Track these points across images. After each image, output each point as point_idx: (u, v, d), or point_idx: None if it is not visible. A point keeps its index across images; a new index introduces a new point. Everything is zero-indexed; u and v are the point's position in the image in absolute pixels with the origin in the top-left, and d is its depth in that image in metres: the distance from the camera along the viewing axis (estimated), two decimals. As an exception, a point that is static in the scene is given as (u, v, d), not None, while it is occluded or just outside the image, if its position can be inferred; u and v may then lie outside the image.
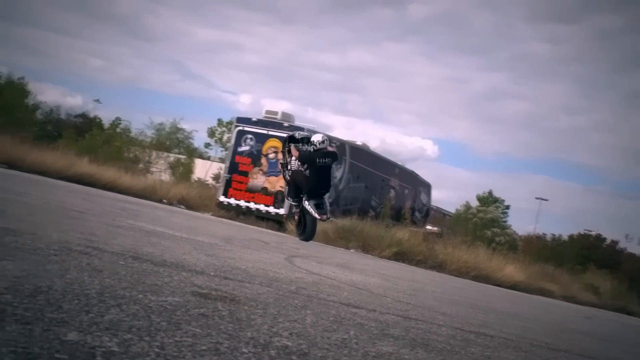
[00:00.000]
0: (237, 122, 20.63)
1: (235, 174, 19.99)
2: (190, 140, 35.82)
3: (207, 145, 36.93)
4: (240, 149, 20.05)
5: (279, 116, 19.98)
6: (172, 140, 34.07)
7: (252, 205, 19.47)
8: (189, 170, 33.26)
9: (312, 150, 12.32)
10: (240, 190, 19.74)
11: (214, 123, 36.68)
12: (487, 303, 7.73)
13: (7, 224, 3.80)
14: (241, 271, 4.25)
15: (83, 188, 15.51)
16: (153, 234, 5.67)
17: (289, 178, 12.90)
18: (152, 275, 3.11)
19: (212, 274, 3.74)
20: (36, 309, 1.87)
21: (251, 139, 19.89)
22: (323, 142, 12.42)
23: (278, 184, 19.17)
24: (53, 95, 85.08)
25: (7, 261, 2.55)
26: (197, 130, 41.01)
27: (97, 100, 43.44)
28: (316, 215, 12.33)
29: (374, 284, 6.08)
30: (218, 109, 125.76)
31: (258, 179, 19.59)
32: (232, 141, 20.60)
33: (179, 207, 19.72)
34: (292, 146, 12.60)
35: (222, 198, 20.08)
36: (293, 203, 13.19)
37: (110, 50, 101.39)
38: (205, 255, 4.75)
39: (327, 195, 12.87)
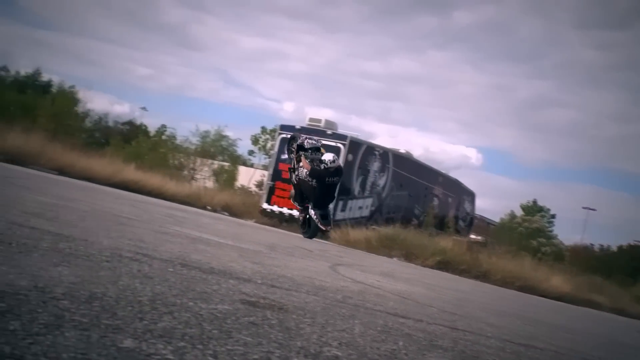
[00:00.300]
0: (281, 130, 20.74)
1: (279, 181, 20.08)
2: (234, 147, 36.17)
3: (251, 152, 37.22)
4: (283, 157, 20.11)
5: (322, 124, 20.01)
6: (217, 148, 34.44)
7: (295, 212, 19.52)
8: (232, 177, 33.56)
9: (322, 167, 12.88)
10: (283, 197, 19.79)
11: (258, 131, 36.95)
12: (534, 314, 7.60)
13: (61, 230, 3.88)
14: (287, 279, 4.26)
15: (130, 194, 15.78)
16: (199, 241, 5.73)
17: (295, 182, 13.37)
18: (201, 282, 3.14)
19: (259, 281, 3.75)
20: (92, 315, 1.90)
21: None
22: (333, 161, 13.02)
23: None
24: (102, 103, 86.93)
25: (63, 267, 2.60)
26: (240, 138, 41.61)
27: (144, 108, 44.15)
28: (321, 226, 13.13)
29: (419, 294, 6.03)
30: (262, 117, 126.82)
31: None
32: (276, 149, 20.72)
33: (223, 214, 19.90)
34: (304, 158, 13.09)
35: (265, 205, 20.20)
36: (298, 206, 13.62)
37: (158, 59, 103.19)
38: (251, 263, 4.77)
39: (331, 206, 13.31)
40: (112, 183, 18.88)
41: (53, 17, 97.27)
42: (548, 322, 6.85)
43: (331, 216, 13.26)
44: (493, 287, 14.50)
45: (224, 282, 3.32)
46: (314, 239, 13.77)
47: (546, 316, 7.95)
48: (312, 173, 12.91)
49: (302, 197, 13.28)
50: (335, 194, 13.69)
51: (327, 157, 13.20)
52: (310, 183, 12.90)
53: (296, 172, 13.28)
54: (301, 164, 13.22)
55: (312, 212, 13.00)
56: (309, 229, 13.39)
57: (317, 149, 13.20)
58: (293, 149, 13.64)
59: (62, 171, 17.96)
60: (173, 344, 1.80)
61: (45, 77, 38.37)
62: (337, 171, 13.25)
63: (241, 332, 2.18)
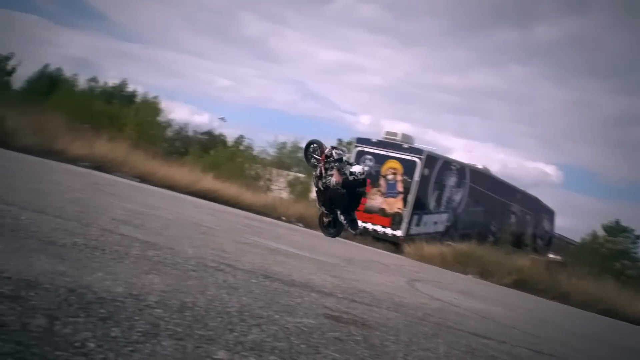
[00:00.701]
0: (357, 143, 20.74)
1: (353, 194, 20.12)
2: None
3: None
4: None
5: (398, 137, 19.90)
6: (293, 159, 34.66)
7: (369, 225, 19.43)
8: (307, 188, 33.74)
9: (353, 178, 13.58)
10: (358, 210, 19.79)
11: (334, 143, 37.10)
12: (620, 340, 7.29)
13: (148, 238, 3.98)
14: (367, 294, 4.24)
15: (207, 203, 16.10)
16: (278, 252, 5.78)
17: (322, 189, 13.97)
18: (284, 295, 3.15)
19: (339, 295, 3.74)
20: (185, 324, 1.93)
21: (370, 159, 19.92)
22: (363, 173, 13.66)
23: (396, 205, 19.07)
24: (183, 113, 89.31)
25: (153, 275, 2.66)
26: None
27: (222, 119, 45.07)
28: (351, 231, 14.19)
29: (498, 314, 5.89)
30: (338, 129, 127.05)
31: (376, 200, 19.55)
32: (352, 161, 20.75)
33: (298, 225, 20.02)
34: (336, 170, 13.65)
35: (340, 217, 20.23)
36: (324, 210, 14.25)
37: (238, 71, 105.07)
38: (330, 276, 4.77)
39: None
40: (190, 191, 19.27)
41: (141, 31, 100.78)
42: (638, 349, 6.56)
43: (358, 222, 14.25)
44: (573, 309, 14.01)
45: (306, 295, 3.33)
46: (393, 254, 13.71)
47: (634, 343, 7.62)
48: (344, 183, 13.63)
49: (330, 203, 13.97)
50: (360, 202, 14.50)
51: (357, 169, 13.95)
52: (339, 191, 13.65)
53: (323, 180, 13.94)
54: (330, 172, 13.86)
55: (341, 217, 13.82)
56: (334, 231, 14.28)
57: (341, 159, 13.82)
58: (317, 157, 14.10)
59: (143, 179, 18.47)
60: (264, 357, 1.81)
61: (130, 87, 39.73)
62: (364, 182, 14.07)
63: (328, 347, 2.17)
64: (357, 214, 19.66)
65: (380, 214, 19.28)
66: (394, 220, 18.95)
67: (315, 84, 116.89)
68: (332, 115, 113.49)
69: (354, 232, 14.44)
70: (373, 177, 19.75)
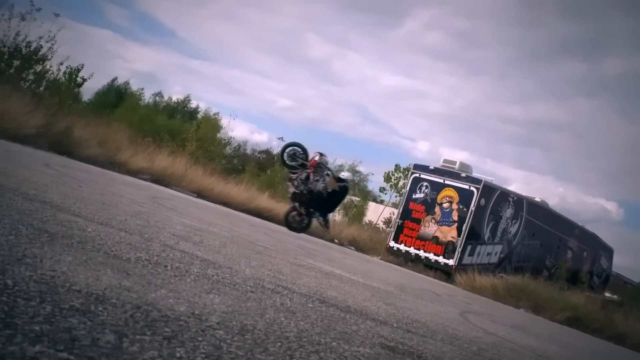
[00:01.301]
0: (414, 169, 20.62)
1: (408, 220, 19.93)
2: (366, 183, 36.19)
3: (382, 189, 36.89)
4: (414, 196, 19.99)
5: (456, 166, 19.72)
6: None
7: (421, 253, 19.25)
8: (361, 212, 33.64)
9: (343, 185, 14.96)
10: (411, 237, 19.62)
11: (391, 168, 36.92)
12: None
13: (207, 255, 4.03)
14: (421, 324, 4.18)
15: (262, 222, 16.23)
16: (332, 276, 5.77)
17: (304, 192, 14.51)
18: (341, 321, 3.14)
19: (394, 324, 3.70)
20: (246, 348, 1.94)
21: (426, 186, 19.78)
22: (350, 180, 15.37)
23: (449, 234, 18.84)
24: (242, 131, 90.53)
25: (214, 294, 2.69)
26: (373, 174, 41.52)
27: (281, 138, 45.25)
28: (328, 229, 15.92)
29: (554, 353, 5.73)
30: (395, 155, 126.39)
31: (430, 228, 19.37)
32: (407, 187, 20.60)
33: (350, 248, 19.97)
34: (332, 178, 14.82)
35: (392, 243, 20.07)
36: (301, 211, 14.87)
37: (300, 92, 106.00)
38: (385, 304, 4.73)
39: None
40: (246, 209, 19.47)
41: (207, 48, 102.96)
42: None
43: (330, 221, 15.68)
44: (629, 351, 13.52)
45: (362, 323, 3.31)
46: (444, 283, 13.52)
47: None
48: (334, 189, 14.79)
49: (311, 206, 14.71)
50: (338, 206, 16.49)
51: (346, 175, 15.87)
52: (324, 196, 14.59)
53: (309, 185, 14.55)
54: (317, 177, 14.56)
55: (320, 218, 14.89)
56: (301, 228, 15.00)
57: (326, 164, 14.82)
58: (304, 162, 14.67)
59: (200, 194, 18.75)
60: (323, 386, 1.80)
61: (193, 103, 40.49)
62: (348, 189, 15.51)
63: (386, 380, 2.14)
64: (409, 240, 19.53)
65: (434, 242, 19.08)
66: (447, 248, 18.71)
67: (376, 108, 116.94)
68: (391, 140, 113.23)
69: (328, 229, 16.31)
70: (428, 205, 19.60)
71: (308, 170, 14.64)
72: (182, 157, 20.64)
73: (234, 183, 22.46)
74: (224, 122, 33.46)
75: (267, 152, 48.24)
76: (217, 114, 34.38)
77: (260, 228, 11.75)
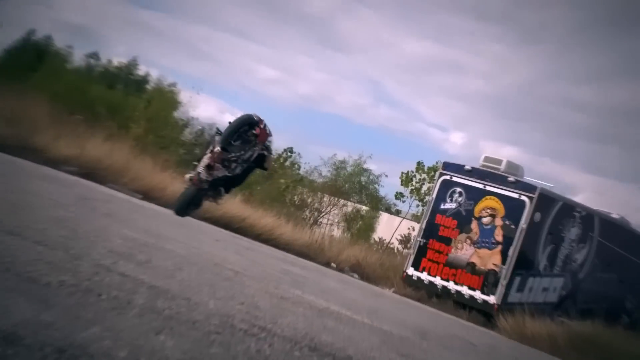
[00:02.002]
0: (444, 169, 20.66)
1: (433, 239, 19.95)
2: (376, 186, 36.14)
3: (399, 195, 36.83)
4: (443, 206, 20.01)
5: (502, 167, 19.76)
6: (353, 184, 34.75)
7: (451, 285, 19.27)
8: (370, 226, 33.65)
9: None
10: (438, 262, 19.64)
11: (411, 166, 36.95)
12: None
13: (156, 281, 4.06)
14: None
15: (232, 236, 16.26)
16: (327, 314, 5.80)
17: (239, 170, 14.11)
18: (338, 378, 3.17)
19: (412, 385, 3.74)
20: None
21: (460, 193, 19.82)
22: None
23: (491, 260, 18.87)
24: (210, 110, 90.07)
25: (166, 336, 2.72)
26: (386, 174, 41.26)
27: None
28: (216, 202, 14.37)
29: None
30: (418, 149, 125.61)
31: (464, 250, 19.41)
32: (434, 194, 20.64)
33: (352, 276, 20.02)
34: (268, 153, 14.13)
35: (411, 270, 20.11)
36: (207, 188, 14.06)
37: (290, 59, 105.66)
38: (399, 356, 4.77)
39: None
40: (210, 217, 19.47)
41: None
42: None
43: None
44: None
45: (367, 381, 3.34)
46: (482, 328, 13.56)
47: None
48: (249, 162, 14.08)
49: (228, 183, 14.23)
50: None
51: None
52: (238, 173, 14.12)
53: (234, 167, 13.92)
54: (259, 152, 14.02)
55: (223, 193, 14.12)
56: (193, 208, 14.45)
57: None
58: (254, 133, 14.42)
59: (148, 195, 18.74)
60: None
61: (142, 69, 40.21)
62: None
63: None
64: (434, 267, 19.61)
65: (468, 271, 19.10)
66: (487, 280, 18.74)
67: (394, 85, 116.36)
68: (413, 128, 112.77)
69: (217, 203, 15.18)
70: (462, 219, 19.62)
71: (258, 147, 14.62)
72: (124, 144, 20.63)
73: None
74: (184, 97, 33.30)
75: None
76: (175, 85, 34.24)
77: (229, 244, 11.80)
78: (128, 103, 28.31)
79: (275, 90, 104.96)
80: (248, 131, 14.48)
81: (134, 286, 3.61)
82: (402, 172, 36.55)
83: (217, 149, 14.09)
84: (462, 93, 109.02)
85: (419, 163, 36.36)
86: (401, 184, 36.40)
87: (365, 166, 35.46)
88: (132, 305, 3.08)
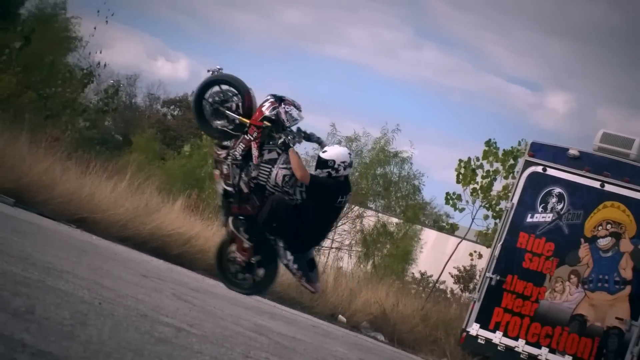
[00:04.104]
0: (532, 155, 20.58)
1: (514, 275, 19.98)
2: (417, 183, 36.16)
3: (453, 198, 36.63)
4: (530, 219, 20.01)
5: (634, 151, 19.78)
6: (375, 178, 34.80)
7: (542, 353, 19.35)
8: (405, 251, 33.71)
9: (328, 173, 14.60)
10: (521, 315, 19.70)
11: (476, 149, 36.86)
12: None
13: (45, 344, 4.10)
14: None
15: (169, 267, 16.38)
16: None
17: (249, 186, 14.50)
18: None
19: None
20: None
21: (560, 197, 19.83)
22: (350, 164, 15.10)
23: (613, 310, 18.92)
24: (129, 52, 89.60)
25: None
26: (424, 175, 41.11)
27: (217, 71, 45.65)
28: (308, 287, 14.93)
29: None
30: (490, 120, 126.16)
31: (566, 294, 19.47)
32: (515, 197, 20.64)
33: (373, 337, 20.13)
34: (293, 151, 14.43)
35: (474, 328, 20.14)
36: (242, 236, 14.61)
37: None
38: None
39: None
40: (131, 235, 19.59)
41: None
42: None
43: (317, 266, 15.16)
44: None
45: None
46: None
47: None
48: (309, 182, 14.41)
49: (268, 223, 14.42)
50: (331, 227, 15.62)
51: (336, 153, 14.92)
52: (293, 198, 14.54)
53: (255, 170, 14.48)
54: (270, 154, 14.49)
55: (288, 257, 14.44)
56: (251, 282, 14.86)
57: (300, 130, 14.77)
58: (237, 116, 14.75)
59: (21, 199, 18.83)
60: None
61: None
62: (348, 186, 15.18)
63: None
64: (515, 322, 19.68)
65: (574, 330, 19.17)
66: (607, 346, 18.80)
67: (450, 11, 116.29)
68: (482, 85, 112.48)
69: (312, 290, 15.27)
70: (563, 240, 19.64)
71: (248, 137, 14.50)
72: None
73: (103, 173, 22.54)
74: (82, 27, 33.23)
75: (184, 102, 48.41)
76: (63, 7, 34.22)
77: (164, 281, 11.86)
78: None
79: (243, 21, 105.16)
80: (232, 103, 14.75)
81: (8, 347, 3.66)
82: (460, 160, 35.75)
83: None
84: (569, 23, 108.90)
85: (488, 143, 35.70)
86: (456, 181, 35.52)
87: (393, 148, 35.52)
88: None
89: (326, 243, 31.51)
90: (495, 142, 33.56)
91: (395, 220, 35.19)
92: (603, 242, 19.22)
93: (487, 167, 32.44)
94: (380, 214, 34.59)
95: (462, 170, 32.23)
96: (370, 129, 40.66)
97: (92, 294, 6.97)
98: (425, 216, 37.51)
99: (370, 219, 33.68)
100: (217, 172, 14.63)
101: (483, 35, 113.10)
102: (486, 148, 32.66)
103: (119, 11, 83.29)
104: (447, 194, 33.85)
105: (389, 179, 35.33)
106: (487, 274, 20.57)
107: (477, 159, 32.77)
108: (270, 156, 14.13)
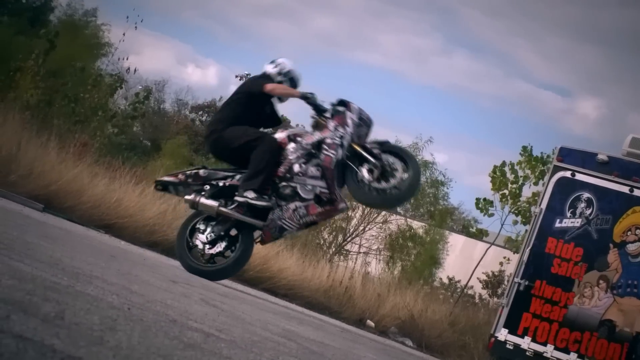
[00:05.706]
0: (561, 160, 20.54)
1: (542, 280, 19.93)
2: (444, 189, 35.99)
3: (483, 204, 36.42)
4: (559, 224, 19.95)
5: (664, 156, 19.73)
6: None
7: (571, 358, 19.27)
8: (433, 257, 33.63)
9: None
10: (550, 320, 19.64)
11: (506, 155, 36.83)
12: None
13: (74, 349, 4.10)
14: None
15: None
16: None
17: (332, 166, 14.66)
18: None
19: None
20: None
21: (589, 202, 19.77)
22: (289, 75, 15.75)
23: (643, 315, 18.86)
24: (158, 59, 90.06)
25: None
26: (453, 180, 40.83)
27: (245, 76, 45.68)
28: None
29: None
30: (520, 126, 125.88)
31: (595, 300, 19.40)
32: (544, 201, 20.59)
33: (401, 342, 20.07)
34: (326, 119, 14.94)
35: (503, 334, 20.09)
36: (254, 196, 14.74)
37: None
38: None
39: None
40: (160, 240, 19.61)
41: None
42: None
43: None
44: None
45: None
46: None
47: None
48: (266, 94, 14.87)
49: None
50: None
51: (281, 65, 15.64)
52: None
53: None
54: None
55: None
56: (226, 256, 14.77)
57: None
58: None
59: (50, 204, 18.85)
60: None
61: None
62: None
63: None
64: (544, 328, 19.64)
65: (604, 335, 19.09)
66: (636, 351, 18.72)
67: (480, 17, 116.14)
68: (512, 91, 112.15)
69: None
70: (593, 245, 19.58)
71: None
72: (10, 115, 20.73)
73: (132, 178, 22.54)
74: (112, 33, 33.28)
75: (212, 108, 48.38)
76: (94, 14, 34.22)
77: (193, 287, 11.86)
78: (18, 44, 28.40)
79: (277, 28, 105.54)
80: None
81: (38, 354, 3.66)
82: (495, 166, 35.20)
83: None
84: (599, 29, 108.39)
85: (525, 148, 35.18)
86: (492, 187, 35.05)
87: (422, 154, 35.41)
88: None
89: (354, 248, 31.55)
90: (531, 148, 33.44)
91: (423, 224, 35.14)
92: (632, 247, 19.16)
93: (520, 173, 32.39)
94: (407, 219, 34.51)
95: (497, 175, 32.17)
96: (402, 136, 40.81)
97: (121, 299, 6.97)
98: (453, 221, 37.40)
99: (395, 223, 33.61)
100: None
101: (513, 42, 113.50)
102: (523, 155, 32.61)
103: (151, 18, 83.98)
104: (477, 199, 33.81)
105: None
106: (516, 279, 20.53)
107: (512, 165, 32.74)
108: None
